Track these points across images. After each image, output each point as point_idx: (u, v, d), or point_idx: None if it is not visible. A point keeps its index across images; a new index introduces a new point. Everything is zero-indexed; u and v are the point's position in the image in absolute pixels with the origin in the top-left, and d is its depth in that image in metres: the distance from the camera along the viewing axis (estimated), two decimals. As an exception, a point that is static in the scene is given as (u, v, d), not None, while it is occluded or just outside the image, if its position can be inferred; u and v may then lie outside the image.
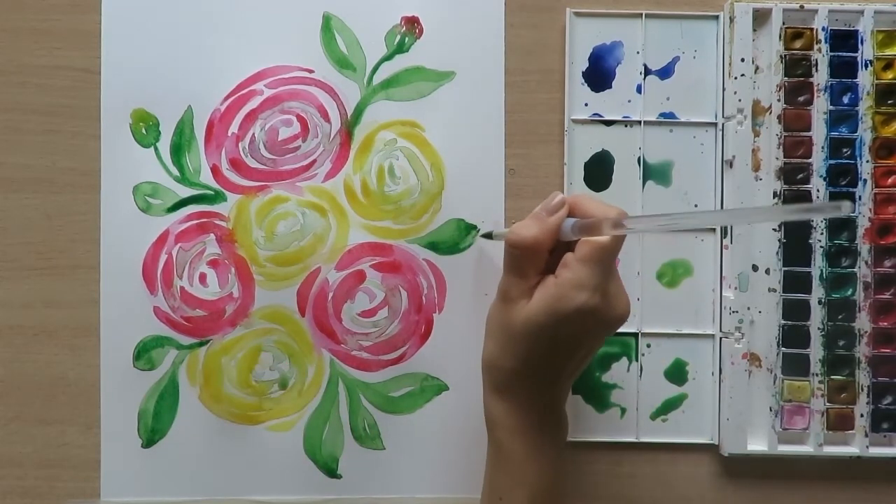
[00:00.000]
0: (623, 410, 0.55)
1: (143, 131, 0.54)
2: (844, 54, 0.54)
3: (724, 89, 0.54)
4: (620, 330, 0.54)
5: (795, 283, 0.54)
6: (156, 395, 0.54)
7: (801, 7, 0.54)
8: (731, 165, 0.54)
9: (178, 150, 0.54)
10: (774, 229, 0.54)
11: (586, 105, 0.55)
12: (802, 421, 0.54)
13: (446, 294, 0.54)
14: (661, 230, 0.54)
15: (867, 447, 0.53)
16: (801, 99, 0.54)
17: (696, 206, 0.55)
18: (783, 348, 0.54)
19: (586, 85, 0.55)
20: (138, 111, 0.54)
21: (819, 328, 0.54)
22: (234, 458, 0.54)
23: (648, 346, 0.55)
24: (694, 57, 0.55)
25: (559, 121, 0.55)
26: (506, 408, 0.47)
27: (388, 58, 0.55)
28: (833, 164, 0.54)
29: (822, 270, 0.54)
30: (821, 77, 0.54)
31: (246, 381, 0.54)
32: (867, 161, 0.54)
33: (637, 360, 0.55)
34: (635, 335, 0.55)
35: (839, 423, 0.53)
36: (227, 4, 0.54)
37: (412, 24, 0.55)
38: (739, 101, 0.54)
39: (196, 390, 0.54)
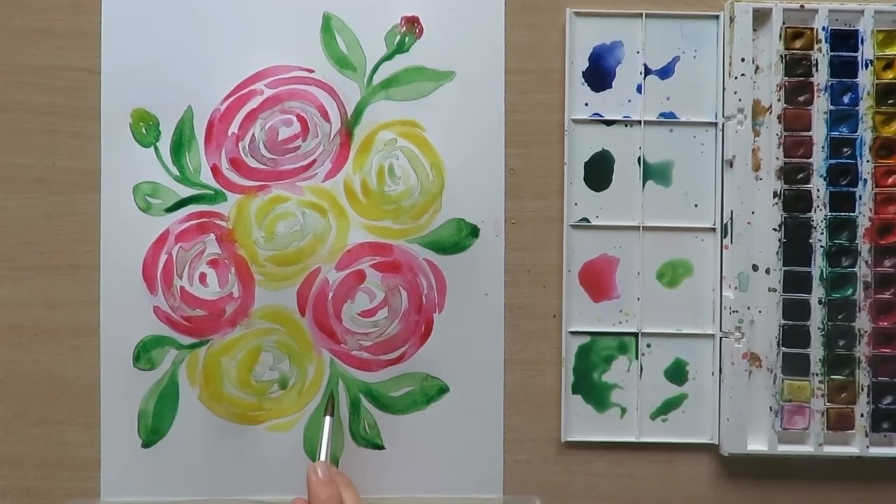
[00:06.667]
0: (623, 410, 0.55)
1: (143, 131, 0.54)
2: (844, 54, 0.54)
3: (724, 89, 0.54)
4: (621, 329, 0.55)
5: (795, 282, 0.54)
6: (156, 395, 0.54)
7: (802, 7, 0.54)
8: (731, 165, 0.54)
9: (178, 150, 0.54)
10: (774, 229, 0.54)
11: (586, 105, 0.55)
12: (802, 421, 0.54)
13: (446, 294, 0.54)
14: None
15: (867, 447, 0.53)
16: (801, 99, 0.54)
17: (695, 205, 0.55)
18: (783, 348, 0.54)
19: (586, 85, 0.55)
20: (138, 111, 0.54)
21: (819, 328, 0.54)
22: (234, 458, 0.54)
23: (648, 346, 0.55)
24: (694, 57, 0.55)
25: (559, 121, 0.55)
26: None
27: (388, 58, 0.55)
28: (833, 163, 0.54)
29: (822, 270, 0.54)
30: (821, 77, 0.54)
31: (246, 381, 0.54)
32: (867, 161, 0.54)
33: (637, 360, 0.55)
34: (635, 335, 0.55)
35: (839, 423, 0.53)
36: (227, 4, 0.54)
37: (412, 24, 0.55)
38: (739, 100, 0.54)
39: (196, 390, 0.54)
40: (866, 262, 0.54)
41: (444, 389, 0.54)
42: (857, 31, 0.54)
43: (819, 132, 0.54)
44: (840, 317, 0.54)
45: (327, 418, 0.53)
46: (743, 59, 0.54)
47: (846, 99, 0.54)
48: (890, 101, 0.54)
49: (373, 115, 0.55)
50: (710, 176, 0.55)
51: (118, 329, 0.54)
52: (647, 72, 0.55)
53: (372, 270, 0.54)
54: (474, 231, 0.54)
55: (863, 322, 0.54)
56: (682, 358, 0.55)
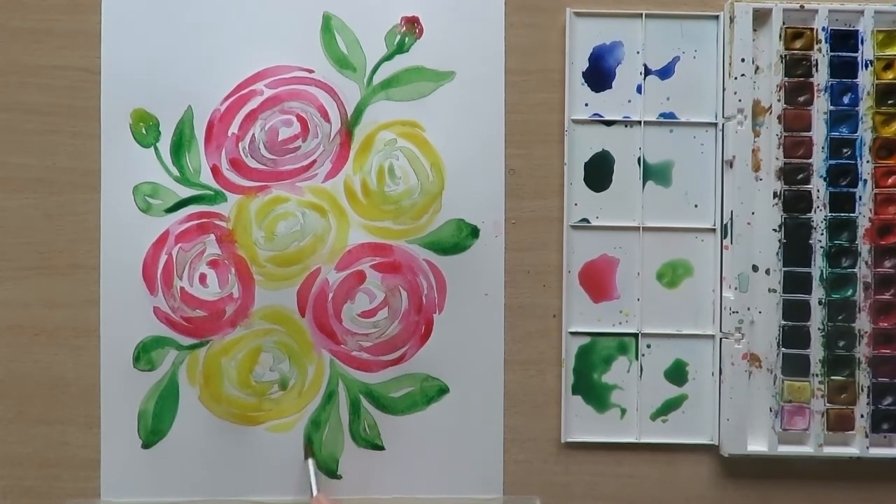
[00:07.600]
0: (623, 411, 0.55)
1: (143, 131, 0.54)
2: (844, 54, 0.54)
3: (724, 89, 0.54)
4: (621, 330, 0.55)
5: (795, 283, 0.54)
6: (156, 396, 0.54)
7: (802, 7, 0.54)
8: (731, 165, 0.54)
9: (178, 150, 0.54)
10: (774, 229, 0.54)
11: (586, 105, 0.55)
12: (802, 421, 0.54)
13: (446, 294, 0.54)
14: None
15: (867, 448, 0.53)
16: (801, 99, 0.54)
17: (695, 206, 0.55)
18: (783, 349, 0.54)
19: (586, 85, 0.55)
20: (138, 111, 0.54)
21: (819, 328, 0.54)
22: (234, 459, 0.54)
23: (648, 346, 0.55)
24: (694, 57, 0.55)
25: (559, 121, 0.55)
26: None
27: (388, 58, 0.55)
28: (833, 164, 0.54)
29: (822, 271, 0.54)
30: (821, 77, 0.54)
31: (246, 382, 0.54)
32: (867, 161, 0.54)
33: (637, 361, 0.55)
34: (635, 335, 0.55)
35: (839, 424, 0.53)
36: (227, 4, 0.54)
37: (412, 24, 0.55)
38: (739, 101, 0.54)
39: (196, 391, 0.54)
40: (866, 263, 0.54)
41: (444, 390, 0.54)
42: (857, 31, 0.54)
43: (819, 132, 0.54)
44: (840, 317, 0.54)
45: (310, 460, 0.53)
46: (743, 60, 0.54)
47: (846, 99, 0.54)
48: (890, 102, 0.54)
49: (373, 116, 0.55)
50: (710, 176, 0.55)
51: (118, 329, 0.54)
52: (647, 72, 0.55)
53: (372, 271, 0.54)
54: (474, 231, 0.54)
55: (863, 323, 0.53)
56: (682, 358, 0.55)
